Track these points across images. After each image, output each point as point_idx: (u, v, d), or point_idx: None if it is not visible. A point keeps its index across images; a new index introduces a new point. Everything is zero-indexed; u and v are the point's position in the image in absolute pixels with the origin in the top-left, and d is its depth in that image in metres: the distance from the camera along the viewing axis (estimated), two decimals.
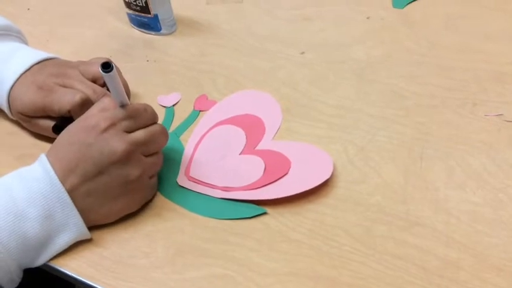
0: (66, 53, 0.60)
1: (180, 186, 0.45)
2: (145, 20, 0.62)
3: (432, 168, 0.44)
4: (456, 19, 0.60)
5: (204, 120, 0.51)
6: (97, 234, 0.42)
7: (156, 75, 0.58)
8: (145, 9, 0.60)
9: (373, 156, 0.46)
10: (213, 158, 0.47)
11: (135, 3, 0.60)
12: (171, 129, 0.51)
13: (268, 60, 0.57)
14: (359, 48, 0.58)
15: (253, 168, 0.45)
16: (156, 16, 0.61)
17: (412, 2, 0.63)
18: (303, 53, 0.58)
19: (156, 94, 0.55)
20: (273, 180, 0.44)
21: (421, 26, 0.59)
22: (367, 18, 0.62)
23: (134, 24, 0.64)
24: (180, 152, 0.48)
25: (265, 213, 0.42)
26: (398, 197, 0.42)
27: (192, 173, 0.46)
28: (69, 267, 0.40)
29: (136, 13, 0.61)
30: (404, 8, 0.62)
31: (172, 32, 0.63)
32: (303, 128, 0.49)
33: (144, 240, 0.41)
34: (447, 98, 0.50)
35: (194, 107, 0.53)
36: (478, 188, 0.42)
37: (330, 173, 0.43)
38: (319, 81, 0.54)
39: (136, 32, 0.64)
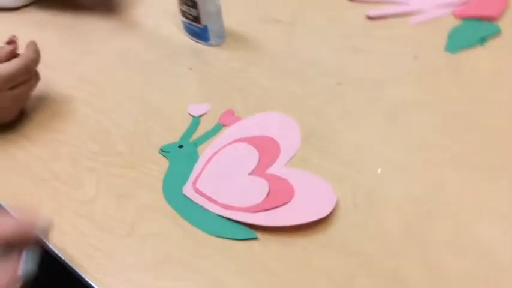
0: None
1: (184, 195, 0.46)
2: (197, 29, 0.64)
3: (437, 228, 0.42)
4: (510, 75, 0.56)
5: (224, 135, 0.52)
6: (95, 229, 0.44)
7: (193, 83, 0.60)
8: (197, 19, 0.62)
9: (379, 204, 0.44)
10: (222, 173, 0.48)
11: (189, 12, 0.62)
12: (192, 139, 0.52)
13: (303, 85, 0.57)
14: (398, 87, 0.56)
15: (257, 191, 0.45)
16: (206, 27, 0.63)
17: (466, 48, 0.60)
18: (339, 83, 0.57)
19: (189, 102, 0.56)
20: (272, 207, 0.44)
21: (469, 75, 0.56)
22: (415, 57, 0.60)
23: (187, 32, 0.66)
24: (194, 162, 0.49)
25: (254, 238, 0.42)
26: (392, 251, 0.41)
27: (198, 185, 0.47)
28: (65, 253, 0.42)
29: (189, 22, 0.64)
30: (456, 54, 0.59)
31: (220, 44, 0.65)
32: (318, 160, 0.49)
33: (137, 242, 0.43)
34: (474, 157, 0.48)
35: (219, 120, 0.54)
36: (480, 259, 0.40)
37: (329, 211, 0.43)
38: (348, 115, 0.53)
39: (188, 40, 0.66)
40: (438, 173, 0.46)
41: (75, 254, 0.42)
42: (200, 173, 0.48)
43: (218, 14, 0.63)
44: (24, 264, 0.35)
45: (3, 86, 0.50)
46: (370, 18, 0.66)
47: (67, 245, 0.43)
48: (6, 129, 0.55)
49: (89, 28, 0.70)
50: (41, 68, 0.55)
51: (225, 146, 0.51)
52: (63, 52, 0.66)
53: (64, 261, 0.42)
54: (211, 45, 0.65)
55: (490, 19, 0.62)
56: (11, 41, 0.54)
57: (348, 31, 0.65)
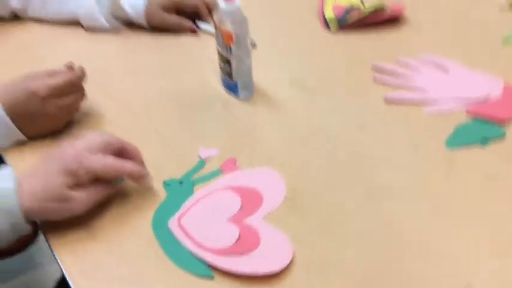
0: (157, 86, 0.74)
1: (168, 227, 0.54)
2: (229, 83, 0.72)
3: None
4: (503, 182, 0.58)
5: (220, 181, 0.59)
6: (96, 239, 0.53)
7: (212, 128, 0.68)
8: (230, 75, 0.71)
9: (332, 277, 0.49)
10: (205, 215, 0.55)
11: (224, 68, 0.71)
12: (193, 178, 0.60)
13: (306, 150, 0.63)
14: (390, 170, 0.60)
15: (228, 236, 0.52)
16: (236, 82, 0.71)
17: (467, 145, 0.62)
18: (336, 151, 0.63)
19: (202, 144, 0.64)
20: (235, 254, 0.50)
21: (463, 173, 0.59)
22: (415, 146, 0.63)
23: (223, 84, 0.75)
24: (187, 199, 0.57)
25: (210, 277, 0.49)
26: None
27: (183, 221, 0.54)
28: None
29: (225, 76, 0.73)
30: (455, 149, 0.62)
31: (248, 99, 0.73)
32: (293, 219, 0.54)
33: (120, 256, 0.51)
34: None
35: (221, 166, 0.61)
36: None
37: (280, 269, 0.48)
38: (334, 186, 0.58)
39: (221, 90, 0.75)
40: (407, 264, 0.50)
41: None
42: (187, 210, 0.55)
43: (248, 72, 0.71)
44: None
45: (49, 94, 0.61)
46: (387, 100, 0.70)
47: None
48: (54, 136, 0.66)
49: (147, 60, 0.81)
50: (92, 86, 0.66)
51: (216, 190, 0.58)
52: (120, 76, 0.77)
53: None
54: (240, 99, 0.73)
55: (498, 122, 0.64)
56: (69, 67, 0.65)
57: (363, 108, 0.70)
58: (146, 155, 0.60)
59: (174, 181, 0.59)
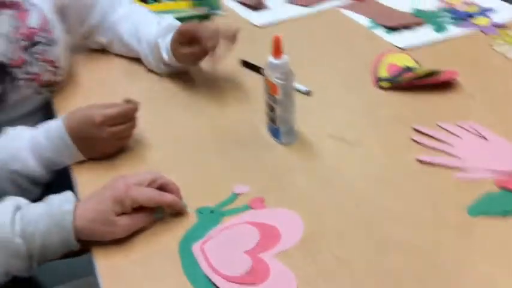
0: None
1: (192, 250, 0.60)
2: (273, 128, 0.79)
3: None
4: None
5: (246, 215, 0.65)
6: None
7: (249, 166, 0.75)
8: (274, 121, 0.78)
9: None
10: (226, 244, 0.61)
11: (269, 114, 0.78)
12: (223, 209, 0.66)
13: (331, 197, 0.68)
14: (404, 227, 0.63)
15: (241, 266, 0.57)
16: (279, 128, 0.78)
17: (487, 215, 0.63)
18: (357, 206, 0.66)
19: (237, 179, 0.71)
20: (244, 283, 0.55)
21: (478, 241, 0.60)
22: (434, 209, 0.65)
23: (268, 128, 0.82)
24: (213, 227, 0.63)
25: None
26: None
27: (205, 247, 0.61)
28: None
29: (269, 121, 0.79)
30: (475, 217, 0.63)
31: (289, 144, 0.79)
32: (304, 261, 0.58)
33: (147, 270, 0.58)
34: None
35: (249, 202, 0.67)
36: None
37: None
38: (347, 234, 0.62)
39: (266, 134, 0.81)
40: None
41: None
42: (211, 238, 0.62)
43: (291, 121, 0.78)
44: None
45: (103, 121, 0.71)
46: (421, 161, 0.73)
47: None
48: (107, 161, 0.76)
49: (197, 95, 0.91)
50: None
51: (240, 223, 0.64)
52: (171, 109, 0.87)
53: None
54: (281, 143, 0.79)
55: None
56: (127, 101, 0.75)
57: (396, 167, 0.73)
58: (186, 181, 0.68)
59: (206, 209, 0.66)
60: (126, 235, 0.62)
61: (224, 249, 0.60)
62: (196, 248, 0.61)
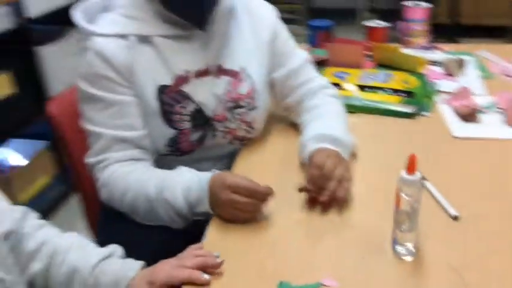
0: None
1: None
2: (393, 237, 0.80)
3: None
4: None
5: None
6: None
7: (357, 267, 0.78)
8: (394, 230, 0.79)
9: None
10: None
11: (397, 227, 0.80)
12: None
13: None
14: None
15: None
16: (395, 238, 0.78)
17: None
18: None
19: (333, 276, 0.76)
20: None
21: None
22: None
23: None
24: None
25: None
26: None
27: None
28: None
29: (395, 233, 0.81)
30: None
31: (403, 258, 0.79)
32: None
33: None
34: None
35: None
36: None
37: None
38: None
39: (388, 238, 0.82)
40: None
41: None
42: None
43: (407, 237, 0.78)
44: None
45: (230, 187, 0.84)
46: None
47: None
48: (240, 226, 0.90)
49: None
50: None
51: None
52: None
53: None
54: (395, 253, 0.79)
55: None
56: (266, 187, 0.85)
57: None
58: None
59: (288, 285, 0.73)
60: None
61: None
62: None
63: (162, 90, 0.97)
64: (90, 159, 0.98)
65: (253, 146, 1.12)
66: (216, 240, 0.84)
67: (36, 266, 0.76)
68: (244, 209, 0.86)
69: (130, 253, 0.81)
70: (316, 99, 1.14)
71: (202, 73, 1.01)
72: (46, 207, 2.04)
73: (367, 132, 1.19)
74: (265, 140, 1.15)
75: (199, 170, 0.93)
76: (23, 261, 0.76)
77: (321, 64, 1.55)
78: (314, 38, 1.74)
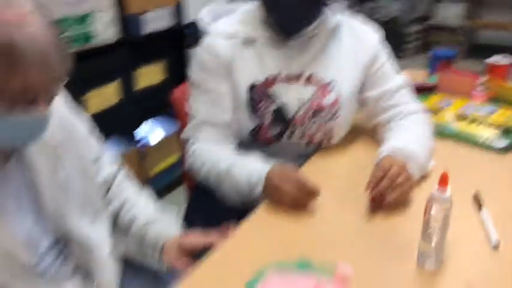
0: None
1: None
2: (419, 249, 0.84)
3: None
4: None
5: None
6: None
7: (376, 272, 0.84)
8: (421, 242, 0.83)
9: None
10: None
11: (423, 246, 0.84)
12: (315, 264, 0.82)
13: None
14: None
15: None
16: (419, 250, 0.83)
17: None
18: None
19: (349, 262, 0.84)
20: None
21: None
22: None
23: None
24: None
25: None
26: None
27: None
28: None
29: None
30: None
31: (425, 269, 0.83)
32: None
33: None
34: None
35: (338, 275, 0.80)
36: None
37: None
38: None
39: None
40: None
41: None
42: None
43: (430, 250, 0.81)
44: None
45: (298, 179, 0.96)
46: None
47: None
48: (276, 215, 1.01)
49: None
50: None
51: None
52: None
53: None
54: (422, 267, 0.83)
55: None
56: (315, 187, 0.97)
57: None
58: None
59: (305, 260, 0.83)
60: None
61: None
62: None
63: (253, 87, 1.14)
64: (184, 135, 1.19)
65: (330, 151, 1.22)
66: (262, 218, 0.98)
67: (113, 205, 0.98)
68: (289, 198, 0.97)
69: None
70: (404, 121, 1.19)
71: (291, 78, 1.15)
72: (168, 183, 2.30)
73: (451, 158, 1.19)
74: (344, 148, 1.24)
75: None
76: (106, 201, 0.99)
77: (430, 90, 1.58)
78: (434, 65, 1.75)
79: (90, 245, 0.87)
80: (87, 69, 1.81)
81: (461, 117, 1.37)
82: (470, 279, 0.80)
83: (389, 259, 0.86)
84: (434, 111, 1.41)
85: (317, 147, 1.22)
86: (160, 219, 0.97)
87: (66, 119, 0.87)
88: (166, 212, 1.00)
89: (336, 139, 1.21)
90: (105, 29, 1.86)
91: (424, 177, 1.08)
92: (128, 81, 2.05)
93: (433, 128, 1.23)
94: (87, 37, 1.80)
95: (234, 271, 0.83)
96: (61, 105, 0.86)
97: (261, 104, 1.14)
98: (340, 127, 1.20)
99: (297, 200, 0.97)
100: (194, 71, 1.17)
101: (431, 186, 0.81)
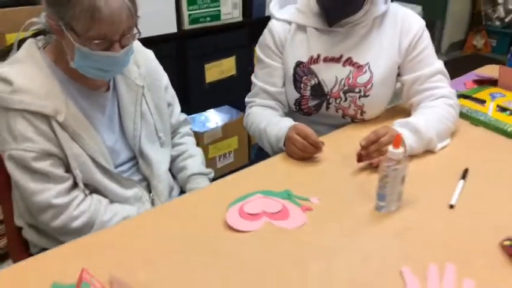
0: None
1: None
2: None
3: None
4: None
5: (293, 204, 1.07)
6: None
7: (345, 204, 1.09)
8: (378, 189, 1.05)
9: None
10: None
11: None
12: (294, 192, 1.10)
13: None
14: None
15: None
16: (377, 193, 1.05)
17: None
18: None
19: (319, 196, 1.09)
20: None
21: None
22: None
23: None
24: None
25: None
26: None
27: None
28: None
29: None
30: None
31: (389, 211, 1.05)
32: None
33: None
34: None
35: (307, 204, 1.07)
36: None
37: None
38: None
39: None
40: None
41: None
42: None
43: (385, 197, 1.03)
44: None
45: (301, 130, 1.24)
46: None
47: None
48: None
49: None
50: None
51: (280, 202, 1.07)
52: None
53: None
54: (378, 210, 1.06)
55: None
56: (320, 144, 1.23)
57: None
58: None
59: (270, 192, 1.12)
60: None
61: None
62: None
63: (298, 64, 1.42)
64: (246, 99, 1.54)
65: (361, 125, 1.42)
66: (275, 163, 1.27)
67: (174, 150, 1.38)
68: (298, 147, 1.25)
69: None
70: (433, 103, 1.35)
71: (332, 60, 1.40)
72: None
73: (477, 145, 1.33)
74: (375, 124, 1.35)
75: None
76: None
77: (492, 83, 1.67)
78: None
79: (153, 163, 1.25)
80: (213, 42, 2.25)
81: (502, 108, 1.45)
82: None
83: (354, 200, 1.10)
84: (483, 101, 1.51)
85: (352, 120, 1.45)
86: (198, 178, 1.34)
87: (153, 70, 1.26)
88: (207, 172, 1.36)
89: (369, 115, 1.43)
90: (231, 10, 2.31)
91: (431, 153, 1.27)
92: (243, 57, 2.43)
93: (470, 114, 1.38)
94: (216, 15, 2.27)
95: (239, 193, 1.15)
96: (152, 61, 1.27)
97: (303, 79, 1.42)
98: (371, 104, 1.40)
99: (304, 150, 1.25)
100: (258, 48, 1.50)
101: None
